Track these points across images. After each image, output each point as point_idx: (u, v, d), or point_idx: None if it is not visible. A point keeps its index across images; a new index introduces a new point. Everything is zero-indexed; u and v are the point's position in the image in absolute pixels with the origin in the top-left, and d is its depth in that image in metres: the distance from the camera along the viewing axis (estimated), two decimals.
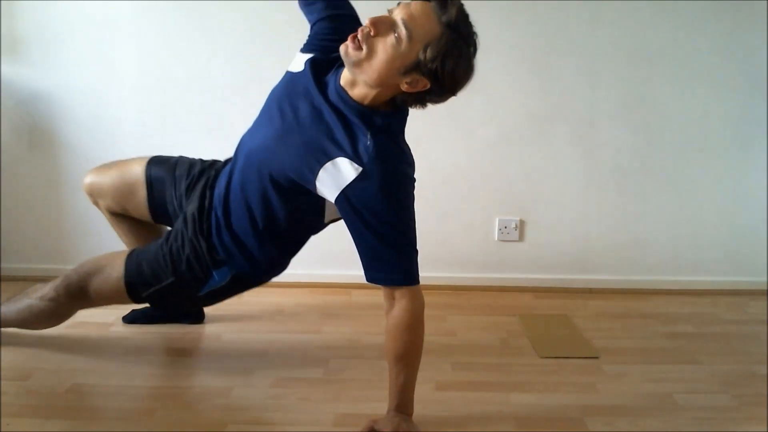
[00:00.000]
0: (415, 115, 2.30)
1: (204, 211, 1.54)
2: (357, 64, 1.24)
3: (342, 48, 1.25)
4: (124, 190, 1.71)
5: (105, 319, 1.91)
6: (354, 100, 1.31)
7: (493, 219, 2.34)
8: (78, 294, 1.56)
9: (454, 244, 2.32)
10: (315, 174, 1.31)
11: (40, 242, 2.34)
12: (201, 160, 1.73)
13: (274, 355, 1.75)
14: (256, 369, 1.66)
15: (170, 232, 1.60)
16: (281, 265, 1.62)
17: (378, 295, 2.18)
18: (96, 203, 1.79)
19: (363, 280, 2.10)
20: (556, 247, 2.35)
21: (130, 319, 1.91)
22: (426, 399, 1.50)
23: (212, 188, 1.57)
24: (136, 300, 1.57)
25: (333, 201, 1.32)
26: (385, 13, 1.25)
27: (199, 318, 1.94)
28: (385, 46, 1.22)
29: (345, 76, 1.31)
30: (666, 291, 2.36)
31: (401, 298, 1.34)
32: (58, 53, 2.19)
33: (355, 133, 1.30)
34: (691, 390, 1.61)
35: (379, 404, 1.48)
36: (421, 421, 1.39)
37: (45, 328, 1.71)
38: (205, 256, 1.51)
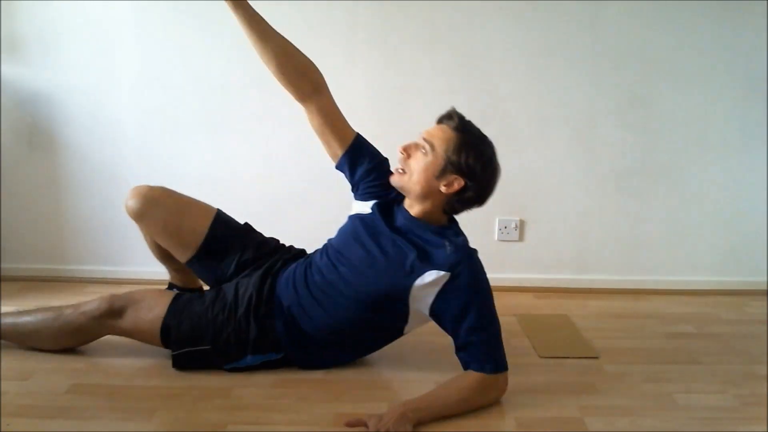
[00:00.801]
0: (415, 115, 2.30)
1: (263, 296, 1.61)
2: (405, 184, 1.54)
3: (392, 180, 1.58)
4: (174, 235, 1.73)
5: None
6: (421, 220, 1.56)
7: (493, 219, 2.34)
8: (116, 311, 1.60)
9: None
10: (410, 290, 1.50)
11: (40, 242, 2.34)
12: (263, 238, 1.80)
13: None
14: (256, 369, 1.65)
15: (218, 296, 1.64)
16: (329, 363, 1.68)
17: None
18: (141, 228, 1.80)
19: None
20: (556, 247, 2.36)
21: None
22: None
23: (276, 276, 1.66)
24: (165, 344, 1.61)
25: (428, 309, 1.51)
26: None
27: None
28: (417, 161, 1.52)
29: (405, 202, 1.60)
30: (666, 291, 2.36)
31: (493, 381, 1.48)
32: (58, 53, 2.19)
33: (432, 246, 1.52)
34: (691, 390, 1.61)
35: (379, 404, 1.47)
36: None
37: (58, 344, 1.68)
38: (248, 340, 1.58)
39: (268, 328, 1.59)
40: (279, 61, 1.55)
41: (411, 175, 1.52)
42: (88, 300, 1.64)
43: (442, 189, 1.50)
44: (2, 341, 1.70)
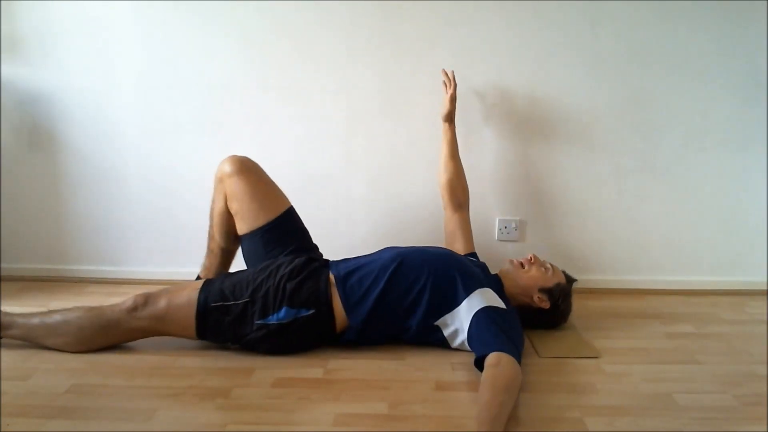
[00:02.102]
0: (415, 115, 2.30)
1: (306, 267, 1.76)
2: (518, 277, 1.90)
3: (513, 266, 1.93)
4: (253, 202, 1.86)
5: None
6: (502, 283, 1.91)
7: (493, 219, 2.34)
8: (151, 301, 1.67)
9: None
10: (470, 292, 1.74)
11: (40, 242, 2.34)
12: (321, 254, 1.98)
13: (274, 356, 1.74)
14: (256, 369, 1.65)
15: (258, 268, 1.77)
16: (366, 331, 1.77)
17: None
18: (219, 183, 1.91)
19: None
20: (556, 247, 2.35)
21: None
22: (426, 399, 1.51)
23: (317, 261, 1.83)
24: (199, 317, 1.67)
25: (471, 312, 1.68)
26: None
27: None
28: (537, 271, 1.90)
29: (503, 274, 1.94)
30: (666, 291, 2.36)
31: (507, 360, 1.51)
32: (58, 53, 2.19)
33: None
34: (691, 390, 1.60)
35: (379, 404, 1.48)
36: (421, 420, 1.39)
37: (76, 348, 1.70)
38: (286, 292, 1.69)
39: (309, 286, 1.72)
40: (451, 176, 2.12)
41: (527, 272, 1.89)
42: (116, 304, 1.71)
43: (536, 298, 1.87)
44: (14, 341, 1.71)
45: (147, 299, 1.68)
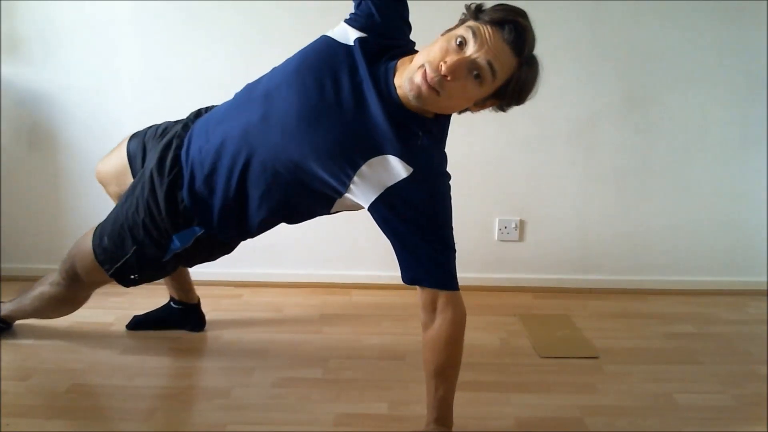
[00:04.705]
0: None
1: (165, 163, 1.40)
2: (430, 104, 1.20)
3: (409, 84, 1.17)
4: (120, 172, 1.66)
5: (105, 319, 1.91)
6: (404, 104, 1.23)
7: (493, 219, 2.34)
8: (73, 276, 1.53)
9: None
10: (354, 169, 1.20)
11: (40, 242, 2.34)
12: (172, 121, 1.61)
13: (274, 355, 1.74)
14: (256, 369, 1.66)
15: (129, 190, 1.47)
16: (253, 230, 1.43)
17: (377, 295, 2.18)
18: (108, 193, 1.76)
19: (363, 280, 2.10)
20: (556, 247, 2.35)
21: (132, 325, 1.89)
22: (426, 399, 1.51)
23: (180, 138, 1.43)
24: (112, 275, 1.47)
25: (368, 202, 1.23)
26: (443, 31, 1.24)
27: (199, 325, 1.91)
28: (465, 90, 1.17)
29: (399, 84, 1.22)
30: (666, 291, 2.36)
31: (445, 307, 1.25)
32: (58, 53, 2.19)
33: (405, 132, 1.22)
34: (691, 390, 1.61)
35: (379, 404, 1.48)
36: (421, 420, 1.39)
37: (59, 315, 1.71)
38: (164, 218, 1.38)
39: (182, 195, 1.38)
40: None
41: (446, 100, 1.18)
42: (54, 273, 1.60)
43: (471, 110, 1.26)
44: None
45: (68, 277, 1.53)
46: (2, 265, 2.31)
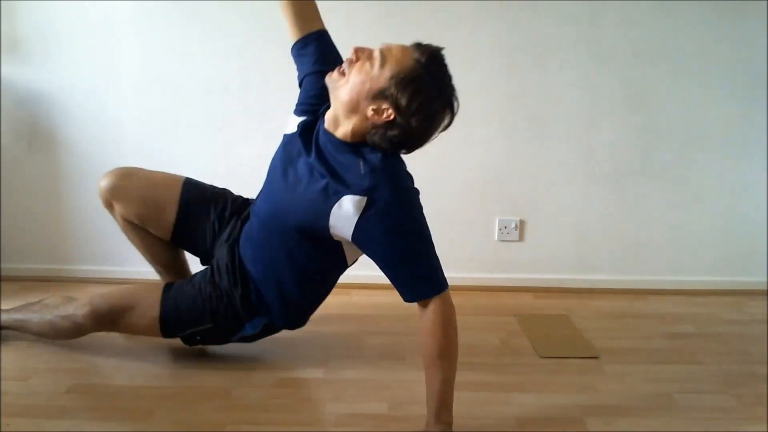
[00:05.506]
0: None
1: (235, 263, 1.58)
2: (337, 89, 1.36)
3: (328, 78, 1.38)
4: (151, 204, 1.70)
5: None
6: (339, 139, 1.40)
7: (493, 219, 2.34)
8: (106, 323, 1.60)
9: (453, 244, 2.31)
10: (327, 219, 1.36)
11: (40, 242, 2.34)
12: (233, 198, 1.75)
13: (274, 355, 1.74)
14: (256, 369, 1.65)
15: (205, 275, 1.61)
16: (307, 313, 1.67)
17: (377, 295, 2.18)
18: (110, 207, 1.76)
19: (363, 280, 2.10)
20: (556, 247, 2.35)
21: None
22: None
23: (237, 242, 1.61)
24: (168, 336, 1.61)
25: (350, 239, 1.37)
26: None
27: None
28: (359, 70, 1.33)
29: (328, 117, 1.42)
30: (666, 291, 2.36)
31: (432, 304, 1.36)
32: (58, 53, 2.19)
33: (348, 168, 1.37)
34: (691, 390, 1.61)
35: (379, 404, 1.48)
36: (421, 420, 1.39)
37: (62, 340, 1.72)
38: (239, 309, 1.57)
39: (248, 294, 1.57)
40: None
41: (347, 82, 1.33)
42: (69, 307, 1.61)
43: (369, 112, 1.32)
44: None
45: (99, 322, 1.59)
46: (2, 265, 2.31)
